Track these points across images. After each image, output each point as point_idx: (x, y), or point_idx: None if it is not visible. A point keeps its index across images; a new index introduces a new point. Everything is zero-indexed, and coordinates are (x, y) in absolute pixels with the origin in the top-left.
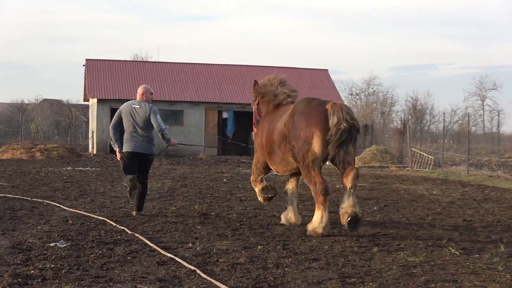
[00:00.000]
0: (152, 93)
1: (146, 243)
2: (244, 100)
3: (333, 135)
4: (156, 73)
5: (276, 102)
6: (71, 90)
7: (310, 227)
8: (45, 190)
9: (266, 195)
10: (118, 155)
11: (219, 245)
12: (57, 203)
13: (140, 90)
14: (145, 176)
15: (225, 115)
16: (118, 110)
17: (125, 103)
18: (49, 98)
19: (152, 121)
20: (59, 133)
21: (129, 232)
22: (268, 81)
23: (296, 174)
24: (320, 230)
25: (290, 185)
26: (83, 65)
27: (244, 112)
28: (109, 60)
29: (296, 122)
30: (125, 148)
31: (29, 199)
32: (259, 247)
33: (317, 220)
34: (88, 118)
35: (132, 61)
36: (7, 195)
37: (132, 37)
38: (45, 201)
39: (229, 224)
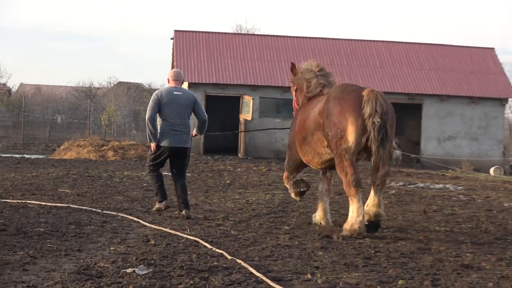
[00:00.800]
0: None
1: (251, 272)
2: (381, 87)
3: (367, 129)
4: (266, 51)
5: (310, 94)
6: (154, 71)
7: (346, 226)
8: (120, 201)
9: (298, 189)
10: (153, 148)
11: (346, 278)
12: (136, 217)
13: (177, 74)
14: (184, 172)
15: None
16: (156, 96)
17: (162, 89)
18: (125, 81)
19: (198, 110)
20: (137, 126)
21: (229, 257)
22: (307, 68)
23: (331, 167)
24: (356, 226)
25: (322, 183)
26: (171, 38)
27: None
28: (205, 32)
29: (330, 109)
30: (166, 143)
31: (99, 211)
32: (400, 281)
33: (353, 216)
34: None
35: (235, 33)
36: (70, 205)
37: (234, 3)
38: (119, 214)
39: (360, 250)
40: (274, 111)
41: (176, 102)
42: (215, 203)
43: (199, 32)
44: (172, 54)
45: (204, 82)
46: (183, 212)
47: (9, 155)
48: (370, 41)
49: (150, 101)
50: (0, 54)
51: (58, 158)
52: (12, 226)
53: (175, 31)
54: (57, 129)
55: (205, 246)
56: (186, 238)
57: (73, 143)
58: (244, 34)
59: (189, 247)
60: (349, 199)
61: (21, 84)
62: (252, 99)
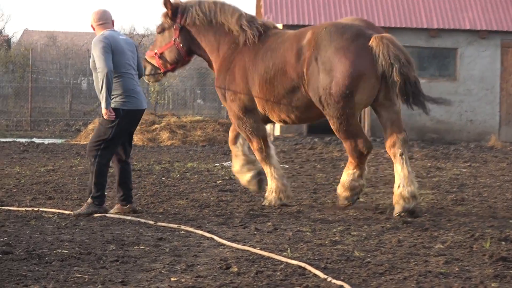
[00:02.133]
0: None
1: None
2: None
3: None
4: None
5: (242, 39)
6: None
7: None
8: (183, 206)
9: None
10: (108, 116)
11: None
12: (207, 231)
13: (109, 15)
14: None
15: None
16: (107, 41)
17: (106, 33)
18: None
19: (139, 61)
20: (204, 93)
21: None
22: (213, 6)
23: (306, 121)
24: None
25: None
26: None
27: None
28: None
29: (327, 61)
30: (133, 105)
31: (152, 223)
32: None
33: (349, 181)
34: None
35: None
36: (106, 214)
37: None
38: (182, 227)
39: None
40: (417, 67)
41: (129, 50)
42: (328, 209)
43: None
44: None
45: (306, 23)
46: (128, 206)
47: (11, 139)
48: None
49: (101, 48)
50: None
51: (84, 143)
52: (21, 246)
53: None
54: (82, 98)
55: (315, 275)
56: (286, 262)
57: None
58: None
59: (291, 276)
60: (355, 164)
61: (26, 30)
62: None
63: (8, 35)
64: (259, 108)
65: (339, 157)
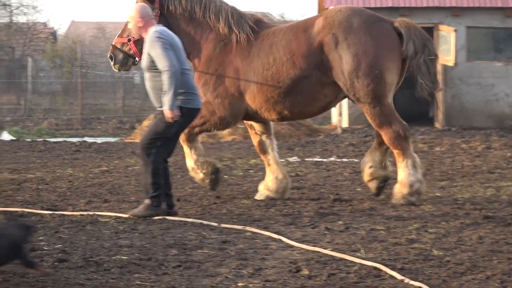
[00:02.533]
0: None
1: None
2: None
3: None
4: None
5: (234, 39)
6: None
7: (403, 189)
8: (247, 206)
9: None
10: (173, 118)
11: None
12: (274, 232)
13: (150, 8)
14: None
15: None
16: (162, 39)
17: (159, 29)
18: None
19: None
20: None
21: None
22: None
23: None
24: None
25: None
26: None
27: None
28: None
29: (352, 43)
30: (191, 103)
31: (215, 224)
32: None
33: (406, 176)
34: None
35: None
36: (167, 216)
37: None
38: (248, 228)
39: None
40: (491, 50)
41: (180, 47)
42: (401, 205)
43: None
44: None
45: (371, 6)
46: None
47: (62, 139)
48: None
49: (160, 46)
50: None
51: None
52: (77, 253)
53: None
54: (135, 93)
55: (391, 277)
56: (360, 263)
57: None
58: None
59: (366, 278)
60: (401, 154)
61: (73, 22)
62: (455, 30)
63: (54, 28)
64: (253, 107)
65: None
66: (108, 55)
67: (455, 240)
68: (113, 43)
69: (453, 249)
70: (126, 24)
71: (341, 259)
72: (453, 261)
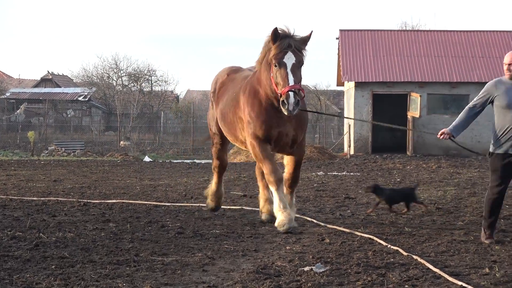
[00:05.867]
0: None
1: (428, 268)
2: None
3: None
4: (432, 46)
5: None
6: (320, 72)
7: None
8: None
9: None
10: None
11: None
12: (309, 217)
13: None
14: None
15: None
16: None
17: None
18: None
19: None
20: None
21: (405, 253)
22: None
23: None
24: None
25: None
26: (336, 38)
27: None
28: (370, 31)
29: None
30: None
31: None
32: None
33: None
34: (341, 108)
35: (400, 30)
36: (244, 207)
37: (399, 1)
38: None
39: None
40: (442, 108)
41: None
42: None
43: (364, 30)
44: (338, 54)
45: (370, 80)
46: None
47: (180, 160)
48: None
49: None
50: (166, 62)
51: (228, 162)
52: (189, 229)
53: (341, 30)
54: None
55: (380, 243)
56: (361, 236)
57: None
58: (410, 31)
59: (364, 244)
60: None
61: (188, 90)
62: (420, 96)
63: (177, 94)
64: None
65: (393, 167)
66: None
67: (418, 222)
68: (298, 89)
69: (417, 227)
70: (294, 69)
71: (349, 233)
72: (417, 234)
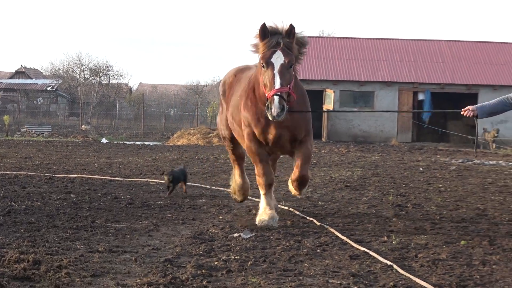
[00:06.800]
0: None
1: (337, 236)
2: (443, 79)
3: None
4: (344, 51)
5: None
6: None
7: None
8: (225, 178)
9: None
10: None
11: (417, 239)
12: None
13: None
14: None
15: (421, 96)
16: None
17: None
18: None
19: None
20: None
21: (318, 223)
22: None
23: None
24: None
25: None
26: None
27: (443, 93)
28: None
29: None
30: None
31: (209, 187)
32: (462, 242)
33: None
34: None
35: (318, 37)
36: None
37: (318, 13)
38: (225, 189)
39: (428, 217)
40: (352, 102)
41: None
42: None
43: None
44: None
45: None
46: None
47: (132, 142)
48: (433, 40)
49: None
50: (122, 59)
51: (172, 144)
52: (138, 200)
53: None
54: (170, 120)
55: (297, 215)
56: (282, 208)
57: (184, 132)
58: (326, 37)
59: (284, 215)
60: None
61: (140, 83)
62: (333, 92)
63: (130, 86)
64: None
65: (360, 157)
66: None
67: (329, 197)
68: (280, 93)
69: (329, 202)
70: (282, 70)
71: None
72: (328, 208)
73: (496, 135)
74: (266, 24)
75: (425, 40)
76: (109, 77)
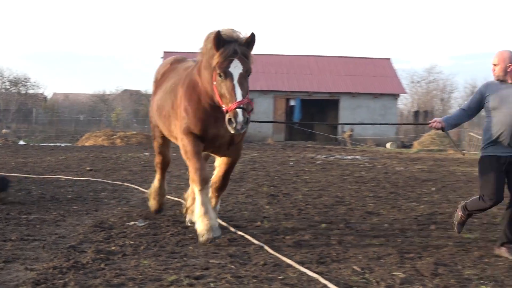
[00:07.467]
0: None
1: (219, 222)
2: (310, 88)
3: None
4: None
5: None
6: (150, 81)
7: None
8: (125, 174)
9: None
10: None
11: (285, 224)
12: (136, 185)
13: None
14: None
15: (292, 103)
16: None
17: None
18: (129, 88)
19: None
20: (137, 121)
21: None
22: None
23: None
24: None
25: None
26: (161, 58)
27: (311, 100)
28: (186, 52)
29: None
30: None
31: (110, 182)
32: (323, 225)
33: None
34: None
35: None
36: (90, 178)
37: (203, 30)
38: (124, 184)
39: (295, 204)
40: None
41: None
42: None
43: (181, 52)
44: None
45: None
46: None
47: (46, 144)
48: (302, 55)
49: None
50: (38, 71)
51: (80, 145)
52: (48, 194)
53: (164, 52)
54: (80, 124)
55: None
56: (172, 199)
57: (91, 134)
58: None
59: (174, 206)
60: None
61: (54, 93)
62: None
63: (45, 95)
64: None
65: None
66: None
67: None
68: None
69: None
70: (241, 79)
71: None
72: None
73: (351, 134)
74: (221, 33)
75: (296, 55)
76: (27, 88)
